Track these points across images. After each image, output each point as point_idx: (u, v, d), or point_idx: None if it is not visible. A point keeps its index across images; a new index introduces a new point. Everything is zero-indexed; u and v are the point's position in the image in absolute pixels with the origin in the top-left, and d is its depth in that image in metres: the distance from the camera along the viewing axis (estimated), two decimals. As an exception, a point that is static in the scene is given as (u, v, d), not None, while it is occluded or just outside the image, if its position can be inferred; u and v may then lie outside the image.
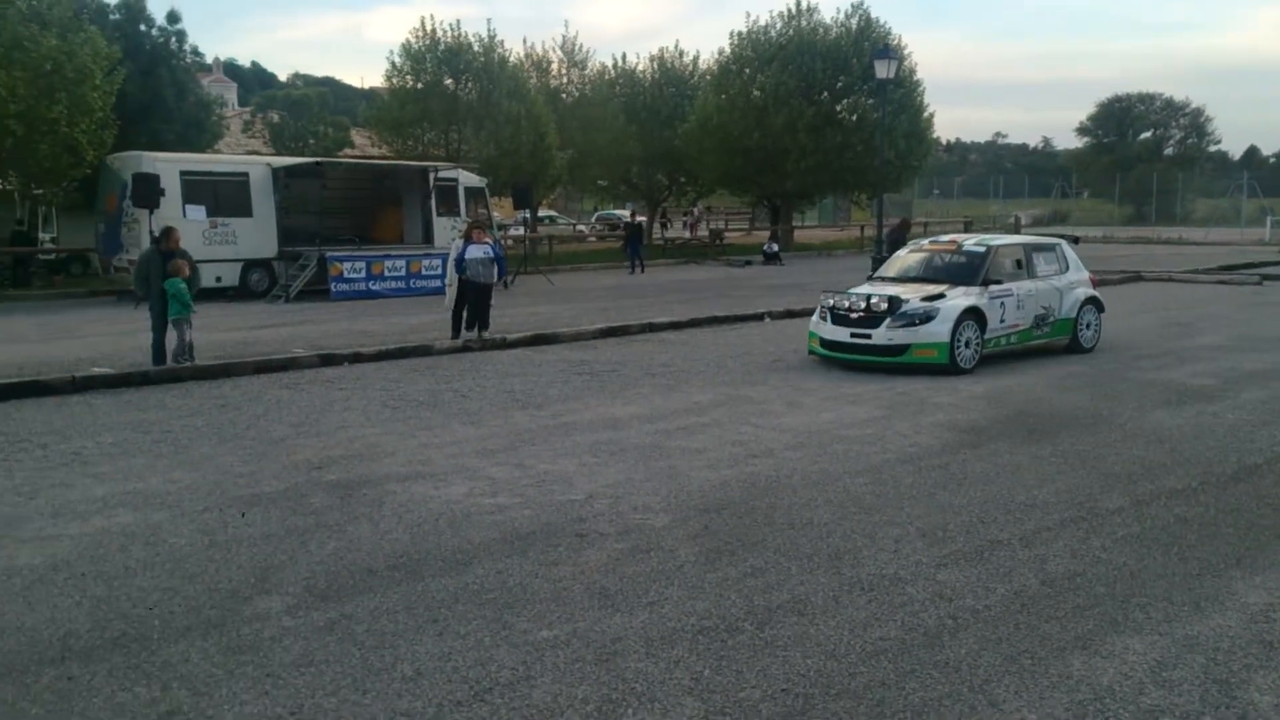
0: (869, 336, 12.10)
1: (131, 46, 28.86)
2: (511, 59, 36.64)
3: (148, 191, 20.48)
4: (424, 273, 23.70)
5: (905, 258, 14.07)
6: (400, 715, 4.06)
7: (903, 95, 36.68)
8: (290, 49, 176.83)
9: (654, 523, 6.53)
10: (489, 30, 36.07)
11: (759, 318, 17.79)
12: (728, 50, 39.31)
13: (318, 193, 26.46)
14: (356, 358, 13.46)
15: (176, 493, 7.23)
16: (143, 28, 31.06)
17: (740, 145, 36.83)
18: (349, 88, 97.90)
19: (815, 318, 12.99)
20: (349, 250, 23.76)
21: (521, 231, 37.65)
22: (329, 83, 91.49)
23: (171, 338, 12.37)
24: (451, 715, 4.06)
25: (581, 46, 41.72)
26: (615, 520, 6.59)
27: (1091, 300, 14.01)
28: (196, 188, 22.41)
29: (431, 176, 25.90)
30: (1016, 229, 51.14)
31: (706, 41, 60.65)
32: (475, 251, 14.67)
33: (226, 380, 11.98)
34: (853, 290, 12.93)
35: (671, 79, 42.61)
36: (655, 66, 43.00)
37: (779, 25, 38.50)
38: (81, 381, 11.35)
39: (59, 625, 4.91)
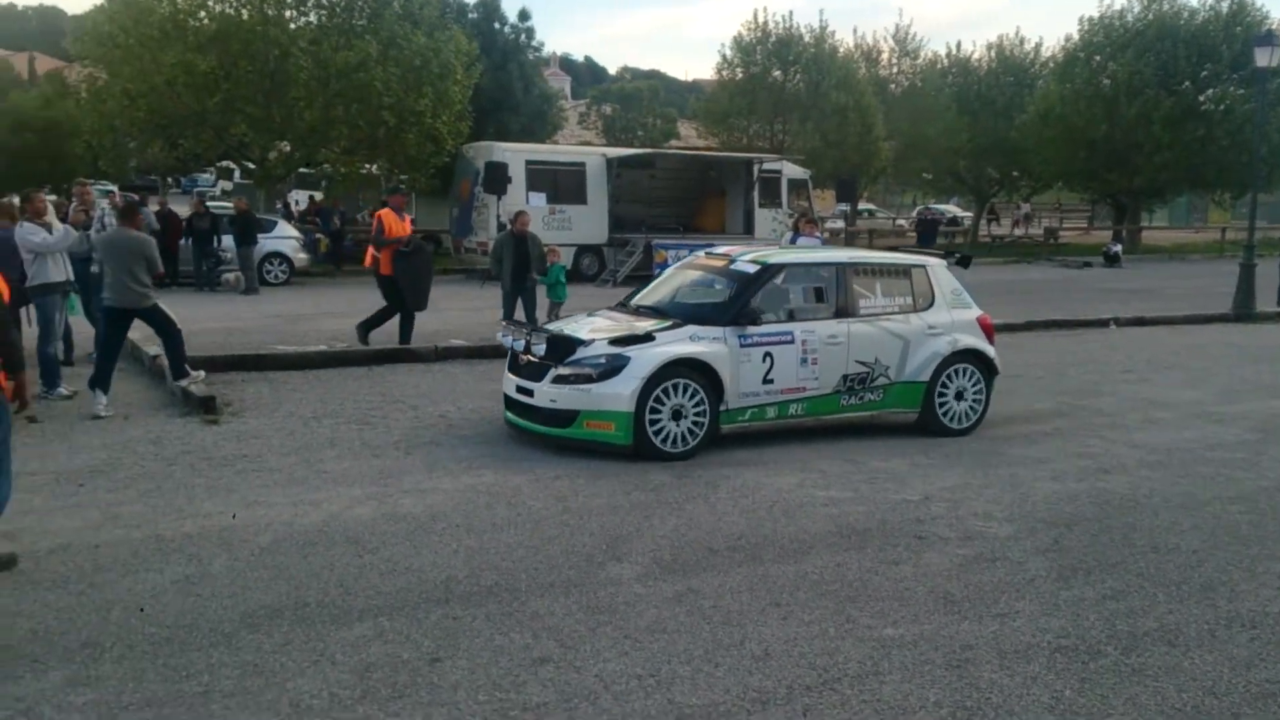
0: (531, 394, 8.15)
1: (487, 43, 31.24)
2: (841, 50, 36.34)
3: (498, 179, 22.15)
4: (744, 263, 23.97)
5: (673, 276, 9.71)
6: (752, 691, 4.16)
7: (1280, 84, 32.81)
8: (618, 44, 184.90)
9: (998, 532, 6.28)
10: (820, 21, 35.98)
11: (1103, 324, 16.56)
12: (1076, 37, 36.87)
13: (647, 182, 27.47)
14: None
15: (560, 459, 7.72)
16: (497, 25, 33.57)
17: (1085, 138, 34.44)
18: (674, 80, 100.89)
19: None
20: (674, 238, 24.49)
21: (840, 225, 37.28)
22: (655, 75, 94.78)
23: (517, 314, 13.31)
24: (802, 699, 4.11)
25: (914, 35, 40.68)
26: (955, 525, 6.39)
27: (968, 355, 9.02)
28: (539, 176, 23.89)
29: (756, 168, 26.20)
30: None
31: (1049, 28, 57.24)
32: (805, 242, 14.67)
33: (566, 357, 12.71)
34: (551, 324, 9.61)
35: (1010, 68, 40.52)
36: (992, 55, 41.07)
37: (1136, 9, 35.59)
38: (443, 351, 12.46)
39: (441, 569, 5.44)
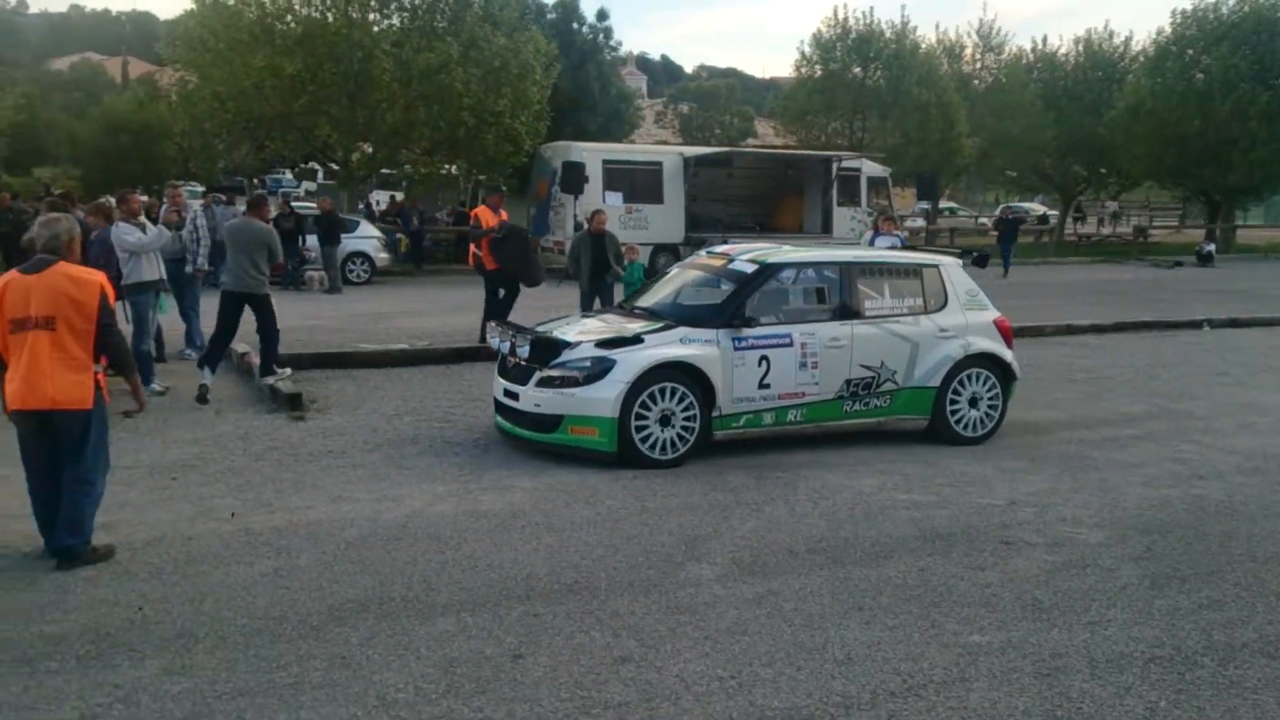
0: (517, 398, 7.89)
1: (565, 43, 31.42)
2: (923, 45, 35.83)
3: (575, 178, 22.22)
4: (821, 262, 23.72)
5: (675, 276, 9.28)
6: (835, 696, 4.12)
7: (1386, 76, 31.51)
8: (695, 42, 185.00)
9: (1087, 538, 6.12)
10: (902, 16, 35.53)
11: (1196, 325, 16.05)
12: (1167, 30, 35.82)
13: (723, 181, 27.33)
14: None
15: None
16: (575, 25, 33.76)
17: (1176, 134, 33.44)
18: (751, 78, 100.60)
19: None
20: (751, 238, 24.33)
21: (921, 223, 36.70)
22: (732, 73, 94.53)
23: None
24: (886, 704, 4.06)
25: (998, 30, 39.93)
26: (1043, 530, 6.25)
27: (983, 360, 8.57)
28: (616, 175, 23.95)
29: (834, 166, 25.91)
30: None
31: (1139, 22, 55.62)
32: (884, 241, 14.48)
33: (643, 356, 12.73)
34: (544, 324, 8.94)
35: (1098, 62, 39.47)
36: (1080, 49, 40.05)
37: (1231, 2, 34.45)
38: (521, 349, 12.55)
39: (521, 566, 5.48)
